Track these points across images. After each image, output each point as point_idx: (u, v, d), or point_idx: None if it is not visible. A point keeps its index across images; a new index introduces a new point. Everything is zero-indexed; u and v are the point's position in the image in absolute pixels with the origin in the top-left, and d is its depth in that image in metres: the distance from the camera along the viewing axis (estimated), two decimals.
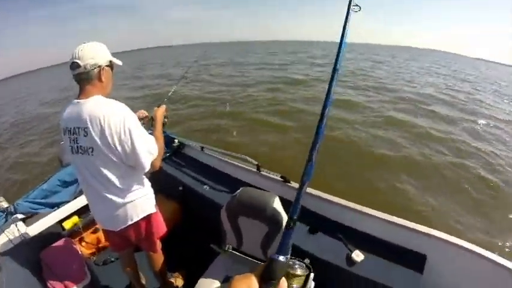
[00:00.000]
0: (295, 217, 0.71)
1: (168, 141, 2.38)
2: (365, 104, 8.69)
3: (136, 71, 21.27)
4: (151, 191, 1.28)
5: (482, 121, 7.86)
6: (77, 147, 1.05)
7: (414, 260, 1.38)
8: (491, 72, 31.34)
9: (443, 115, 7.97)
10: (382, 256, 1.41)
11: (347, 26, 0.67)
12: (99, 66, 1.06)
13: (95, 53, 1.05)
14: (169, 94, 1.72)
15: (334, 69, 0.65)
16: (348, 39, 0.65)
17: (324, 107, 0.78)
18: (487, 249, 1.30)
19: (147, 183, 1.25)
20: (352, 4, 0.83)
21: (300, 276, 0.48)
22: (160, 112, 1.38)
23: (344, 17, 0.67)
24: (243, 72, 16.48)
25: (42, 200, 1.92)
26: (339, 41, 0.64)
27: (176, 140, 2.48)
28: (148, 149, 1.10)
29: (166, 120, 1.42)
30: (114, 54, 1.18)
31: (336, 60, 0.64)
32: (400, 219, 1.50)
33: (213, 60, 24.10)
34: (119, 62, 1.16)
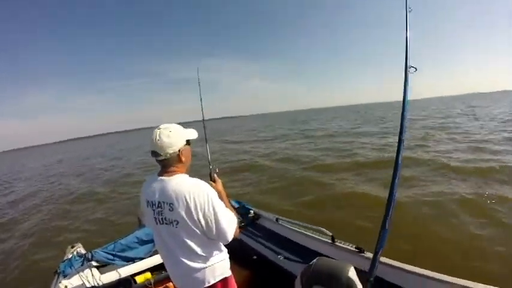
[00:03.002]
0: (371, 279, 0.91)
1: (244, 212, 2.58)
2: None
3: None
4: (228, 256, 1.32)
5: None
6: (162, 219, 1.14)
7: None
8: None
9: None
10: None
11: (407, 89, 0.77)
12: (178, 151, 1.15)
13: (172, 142, 1.12)
14: (209, 158, 1.68)
15: (400, 140, 0.76)
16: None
17: (394, 176, 0.84)
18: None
19: (224, 248, 1.31)
20: (408, 66, 0.91)
21: None
22: (219, 186, 1.42)
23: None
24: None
25: (118, 253, 2.27)
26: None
27: (252, 211, 2.62)
28: (229, 223, 1.17)
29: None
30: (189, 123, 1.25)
31: (401, 130, 0.76)
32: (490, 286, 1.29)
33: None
34: (194, 136, 1.23)
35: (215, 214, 1.12)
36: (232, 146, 17.39)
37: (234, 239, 1.21)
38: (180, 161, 1.17)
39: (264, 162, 10.51)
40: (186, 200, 1.08)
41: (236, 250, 2.00)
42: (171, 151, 1.13)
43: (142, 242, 2.30)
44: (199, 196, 1.10)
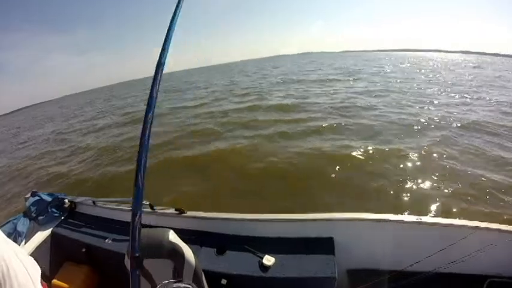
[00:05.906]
0: (136, 254, 0.74)
1: (59, 203, 2.30)
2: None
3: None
4: None
5: None
6: None
7: (323, 246, 1.47)
8: None
9: None
10: (292, 253, 1.47)
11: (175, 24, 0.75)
12: None
13: None
14: None
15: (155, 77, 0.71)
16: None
17: (143, 132, 0.72)
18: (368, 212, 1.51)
19: None
20: None
21: None
22: None
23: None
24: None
25: None
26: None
27: (66, 200, 2.32)
28: None
29: None
30: None
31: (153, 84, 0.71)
32: (299, 214, 1.59)
33: None
34: None
35: None
36: None
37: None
38: None
39: None
40: None
41: (64, 249, 2.02)
42: None
43: None
44: None
